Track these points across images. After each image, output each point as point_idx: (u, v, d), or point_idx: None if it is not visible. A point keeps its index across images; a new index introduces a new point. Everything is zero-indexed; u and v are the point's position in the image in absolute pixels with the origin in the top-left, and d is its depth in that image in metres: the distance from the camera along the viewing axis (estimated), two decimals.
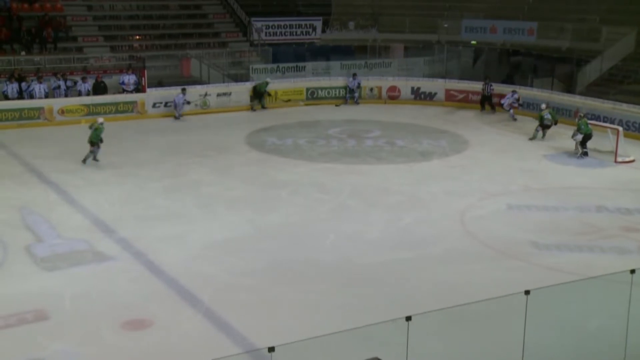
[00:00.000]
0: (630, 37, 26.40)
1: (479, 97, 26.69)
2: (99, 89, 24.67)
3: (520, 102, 25.28)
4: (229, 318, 10.85)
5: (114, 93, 24.97)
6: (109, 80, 25.13)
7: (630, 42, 26.41)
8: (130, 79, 25.19)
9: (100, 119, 19.50)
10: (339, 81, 28.33)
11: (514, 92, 25.40)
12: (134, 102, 24.95)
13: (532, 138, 22.01)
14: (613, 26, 27.38)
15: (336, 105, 27.11)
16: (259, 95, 26.29)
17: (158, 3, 31.66)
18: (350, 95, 27.65)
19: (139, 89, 25.23)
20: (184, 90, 24.89)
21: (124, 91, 25.10)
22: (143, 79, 25.19)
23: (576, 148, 20.27)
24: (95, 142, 18.83)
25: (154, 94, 25.34)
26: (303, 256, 13.31)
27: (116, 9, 30.44)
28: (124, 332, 10.52)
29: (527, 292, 8.15)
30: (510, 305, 8.40)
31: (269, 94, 26.46)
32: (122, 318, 10.83)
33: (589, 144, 20.19)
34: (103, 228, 14.51)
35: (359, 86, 27.69)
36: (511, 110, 25.11)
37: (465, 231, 14.65)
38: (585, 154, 20.08)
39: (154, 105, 25.26)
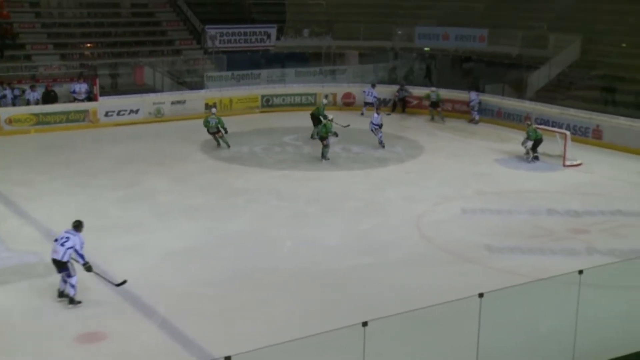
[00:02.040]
0: (576, 44, 27.08)
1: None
2: (49, 97, 24.27)
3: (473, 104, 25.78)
4: (186, 328, 10.75)
5: (64, 102, 24.57)
6: (59, 89, 24.74)
7: (576, 49, 27.08)
8: (81, 87, 24.82)
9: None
10: (293, 88, 28.42)
11: (477, 93, 25.90)
12: (85, 111, 24.61)
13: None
14: (560, 33, 28.04)
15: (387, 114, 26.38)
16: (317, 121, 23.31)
17: (109, 10, 31.31)
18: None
19: (90, 97, 24.87)
20: None
21: (75, 100, 24.70)
22: (95, 87, 24.85)
23: (527, 153, 20.67)
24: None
25: (106, 103, 25.04)
26: (262, 264, 13.26)
27: (66, 16, 29.94)
28: (79, 346, 10.34)
29: (480, 295, 8.27)
30: (465, 308, 8.50)
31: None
32: (76, 331, 10.65)
33: (539, 148, 20.60)
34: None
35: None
36: (475, 113, 25.74)
37: (422, 236, 14.80)
38: (536, 158, 20.50)
39: (106, 114, 24.96)
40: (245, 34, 31.40)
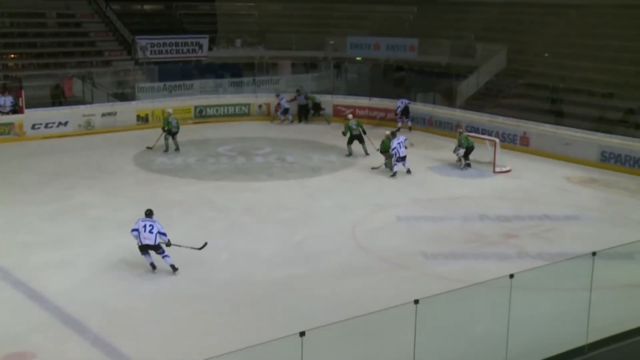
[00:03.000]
0: (502, 54, 27.82)
1: (365, 112, 27.22)
2: None
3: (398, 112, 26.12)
4: (120, 344, 10.52)
5: None
6: None
7: (502, 58, 27.82)
8: (6, 100, 24.05)
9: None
10: (227, 99, 28.23)
11: (402, 100, 26.23)
12: (10, 124, 23.87)
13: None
14: (487, 43, 28.77)
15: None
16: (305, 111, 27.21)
17: (34, 20, 30.52)
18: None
19: (16, 110, 24.13)
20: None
21: None
22: (20, 99, 24.12)
23: (459, 160, 21.06)
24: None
25: (33, 115, 24.35)
26: (196, 276, 13.08)
27: None
28: None
29: (416, 302, 8.33)
30: (401, 315, 8.52)
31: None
32: (3, 352, 10.27)
33: (470, 155, 21.00)
34: None
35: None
36: (402, 120, 26.00)
37: (357, 244, 14.84)
38: (468, 165, 20.89)
39: (33, 127, 24.27)
40: (176, 44, 31.06)
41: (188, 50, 31.30)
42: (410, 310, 8.31)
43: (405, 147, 19.87)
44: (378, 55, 31.52)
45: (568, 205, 17.47)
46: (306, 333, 7.59)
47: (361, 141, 22.24)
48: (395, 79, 31.44)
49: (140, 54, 29.90)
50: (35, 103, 24.79)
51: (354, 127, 22.32)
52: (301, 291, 12.51)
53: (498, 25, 30.14)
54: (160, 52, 30.63)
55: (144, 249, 13.09)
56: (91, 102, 26.14)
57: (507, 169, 20.67)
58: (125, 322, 11.26)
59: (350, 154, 22.21)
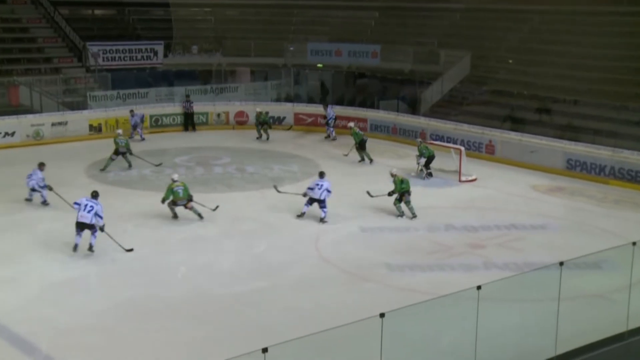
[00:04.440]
0: (466, 59, 27.77)
1: (325, 121, 26.64)
2: None
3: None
4: None
5: None
6: None
7: (466, 64, 27.78)
8: None
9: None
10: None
11: (332, 106, 26.08)
12: None
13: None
14: (450, 49, 28.69)
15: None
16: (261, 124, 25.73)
17: None
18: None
19: None
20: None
21: None
22: None
23: (421, 170, 20.76)
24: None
25: None
26: (152, 292, 12.73)
27: None
28: None
29: (382, 315, 8.22)
30: (367, 329, 8.41)
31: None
32: None
33: (433, 164, 20.81)
34: None
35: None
36: (332, 130, 25.80)
37: (320, 256, 14.65)
38: (430, 174, 20.63)
39: None
40: (130, 51, 30.37)
41: (142, 57, 30.62)
42: (376, 323, 8.20)
43: (329, 192, 16.78)
44: (340, 62, 31.24)
45: (534, 214, 17.43)
46: (269, 349, 7.42)
47: (364, 148, 22.32)
48: (357, 86, 31.20)
49: (91, 61, 29.11)
50: None
51: (360, 132, 22.41)
52: (263, 304, 12.33)
53: (461, 31, 30.13)
54: (113, 59, 29.90)
55: (79, 226, 14.12)
56: (40, 111, 25.33)
57: (473, 177, 20.52)
58: (77, 340, 10.91)
59: (366, 160, 22.30)
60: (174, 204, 16.46)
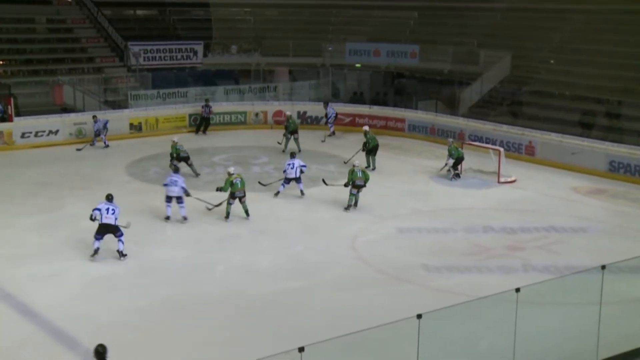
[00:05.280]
0: (506, 60, 27.44)
1: (365, 121, 26.63)
2: None
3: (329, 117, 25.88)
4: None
5: None
6: None
7: (506, 65, 27.44)
8: None
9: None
10: (223, 107, 27.78)
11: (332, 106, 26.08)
12: None
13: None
14: (490, 49, 28.38)
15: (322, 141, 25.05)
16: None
17: (23, 26, 30.10)
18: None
19: (4, 118, 23.69)
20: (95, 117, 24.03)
21: None
22: (9, 107, 23.65)
23: (448, 170, 20.49)
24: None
25: (22, 124, 23.93)
26: (191, 290, 12.80)
27: None
28: None
29: (419, 316, 8.17)
30: (403, 330, 8.38)
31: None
32: None
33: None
34: None
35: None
36: (331, 126, 25.76)
37: (357, 257, 14.57)
38: (457, 175, 20.39)
39: (22, 136, 23.84)
40: (170, 50, 30.60)
41: (182, 56, 30.82)
42: (413, 325, 8.17)
43: (302, 172, 18.27)
44: (378, 62, 31.10)
45: (575, 217, 17.17)
46: (305, 349, 7.42)
47: (375, 154, 21.76)
48: (396, 87, 31.04)
49: (133, 61, 29.45)
50: (25, 111, 24.31)
51: (373, 138, 21.81)
52: (299, 305, 12.31)
53: (501, 31, 29.77)
54: (154, 58, 30.13)
55: (102, 228, 13.98)
56: (82, 110, 25.68)
57: (512, 179, 20.26)
58: (117, 337, 10.87)
59: (371, 166, 21.48)
60: (232, 196, 16.50)
